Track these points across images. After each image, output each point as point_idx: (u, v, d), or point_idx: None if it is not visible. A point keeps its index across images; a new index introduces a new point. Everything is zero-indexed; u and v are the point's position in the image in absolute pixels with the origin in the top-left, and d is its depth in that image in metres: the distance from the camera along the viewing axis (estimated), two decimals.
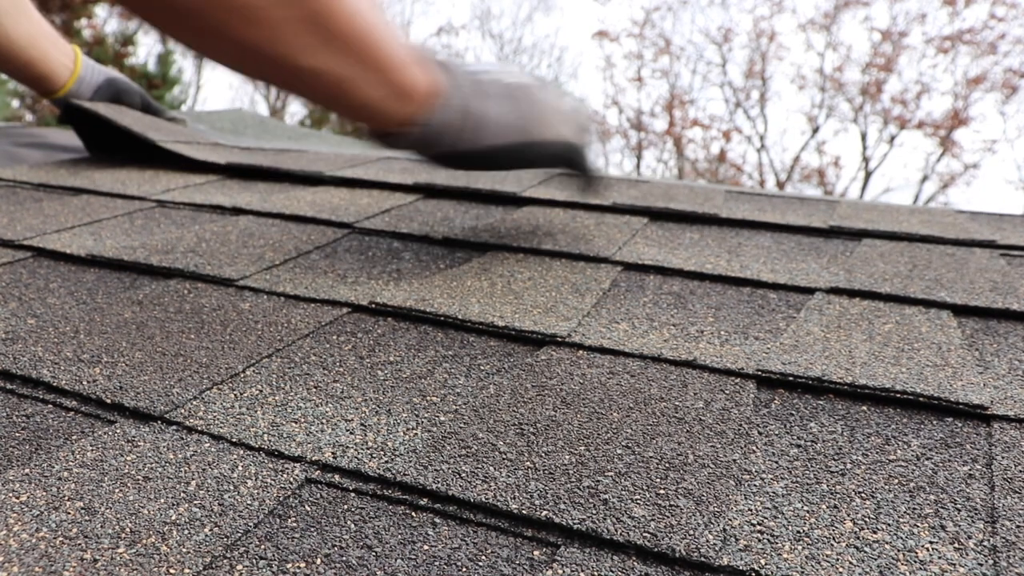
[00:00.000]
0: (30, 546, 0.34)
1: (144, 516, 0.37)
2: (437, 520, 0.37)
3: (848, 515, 0.38)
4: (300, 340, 0.56)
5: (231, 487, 0.39)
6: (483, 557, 0.35)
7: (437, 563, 0.34)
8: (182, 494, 0.38)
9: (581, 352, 0.55)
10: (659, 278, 0.70)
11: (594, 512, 0.37)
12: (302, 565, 0.34)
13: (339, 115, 0.66)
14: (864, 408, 0.48)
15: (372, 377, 0.51)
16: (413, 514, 0.38)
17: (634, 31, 10.43)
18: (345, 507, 0.38)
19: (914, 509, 0.38)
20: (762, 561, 0.34)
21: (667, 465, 0.41)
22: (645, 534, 0.36)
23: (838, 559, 0.35)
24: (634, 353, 0.55)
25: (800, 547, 0.35)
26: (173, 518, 0.36)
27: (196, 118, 1.55)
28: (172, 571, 0.33)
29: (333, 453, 0.42)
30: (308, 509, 0.38)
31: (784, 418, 0.47)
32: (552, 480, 0.40)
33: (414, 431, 0.44)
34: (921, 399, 0.48)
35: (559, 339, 0.56)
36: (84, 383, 0.49)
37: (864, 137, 9.29)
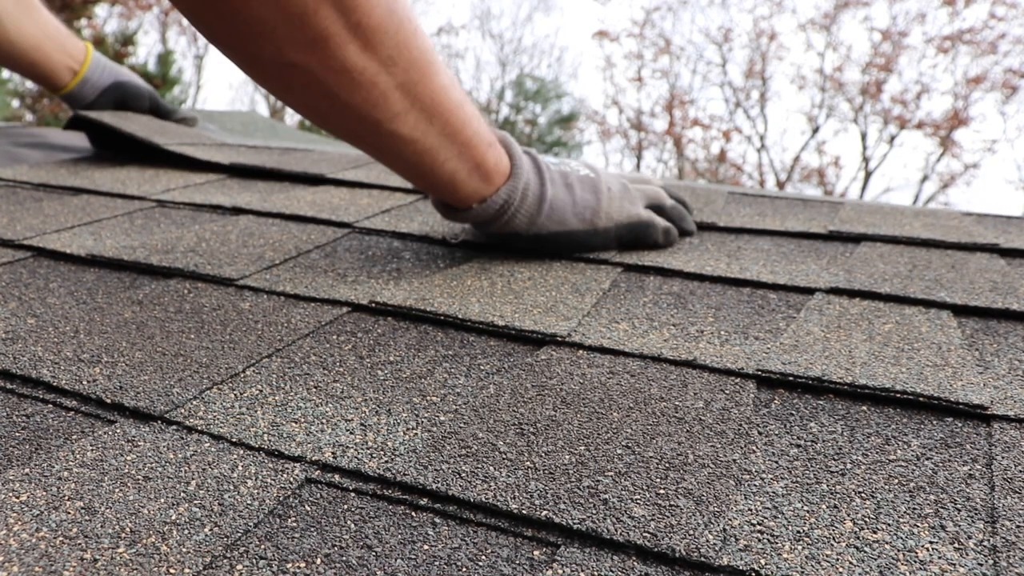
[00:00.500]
0: (30, 546, 0.34)
1: (144, 516, 0.37)
2: (437, 520, 0.37)
3: (848, 515, 0.38)
4: (300, 340, 0.56)
5: (231, 487, 0.39)
6: (483, 557, 0.35)
7: (437, 563, 0.34)
8: (182, 494, 0.38)
9: (581, 352, 0.55)
10: (659, 279, 0.70)
11: (594, 512, 0.37)
12: (302, 565, 0.34)
13: (419, 186, 0.69)
14: (864, 408, 0.48)
15: (372, 377, 0.51)
16: (413, 514, 0.38)
17: (634, 31, 10.44)
18: (345, 507, 0.38)
19: (914, 509, 0.38)
20: (762, 561, 0.34)
21: (667, 465, 0.41)
22: (645, 534, 0.36)
23: (838, 559, 0.35)
24: (634, 353, 0.55)
25: (800, 547, 0.35)
26: (173, 518, 0.36)
27: (208, 117, 1.56)
28: (172, 571, 0.33)
29: (333, 453, 0.42)
30: (308, 509, 0.38)
31: (784, 418, 0.47)
32: (552, 480, 0.40)
33: (414, 431, 0.44)
34: (921, 399, 0.48)
35: (559, 339, 0.56)
36: (84, 383, 0.49)
37: (864, 137, 9.29)
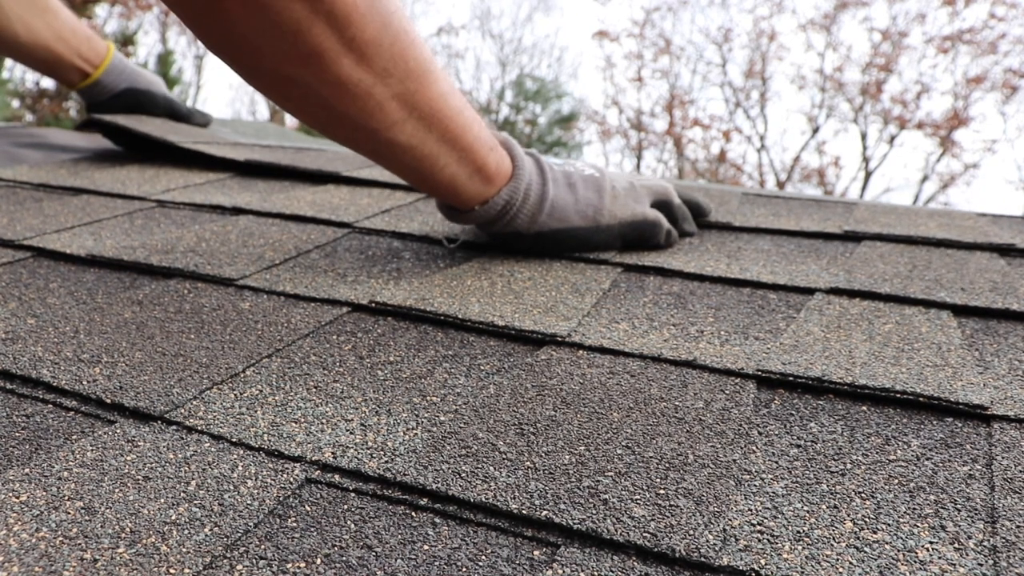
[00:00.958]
0: (30, 546, 0.34)
1: (144, 516, 0.37)
2: (437, 520, 0.37)
3: (848, 515, 0.38)
4: (300, 340, 0.56)
5: (231, 487, 0.39)
6: (483, 557, 0.35)
7: (437, 563, 0.34)
8: (182, 494, 0.38)
9: (581, 352, 0.55)
10: (659, 279, 0.70)
11: (594, 512, 0.37)
12: (302, 565, 0.34)
13: (421, 189, 0.69)
14: (864, 408, 0.48)
15: (372, 377, 0.51)
16: (413, 514, 0.38)
17: (634, 31, 10.44)
18: (345, 507, 0.38)
19: (914, 509, 0.38)
20: (762, 561, 0.34)
21: (667, 465, 0.41)
22: (645, 534, 0.36)
23: (838, 559, 0.35)
24: (634, 353, 0.55)
25: (800, 547, 0.35)
26: (173, 518, 0.36)
27: (220, 123, 1.58)
28: (172, 571, 0.33)
29: (333, 453, 0.42)
30: (308, 509, 0.38)
31: (784, 418, 0.47)
32: (552, 480, 0.40)
33: (414, 431, 0.44)
34: (921, 399, 0.48)
35: (559, 339, 0.56)
36: (84, 383, 0.49)
37: (864, 137, 9.29)
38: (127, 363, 0.52)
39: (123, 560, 0.34)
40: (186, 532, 0.36)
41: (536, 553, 0.35)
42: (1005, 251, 0.77)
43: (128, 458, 0.41)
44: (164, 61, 9.80)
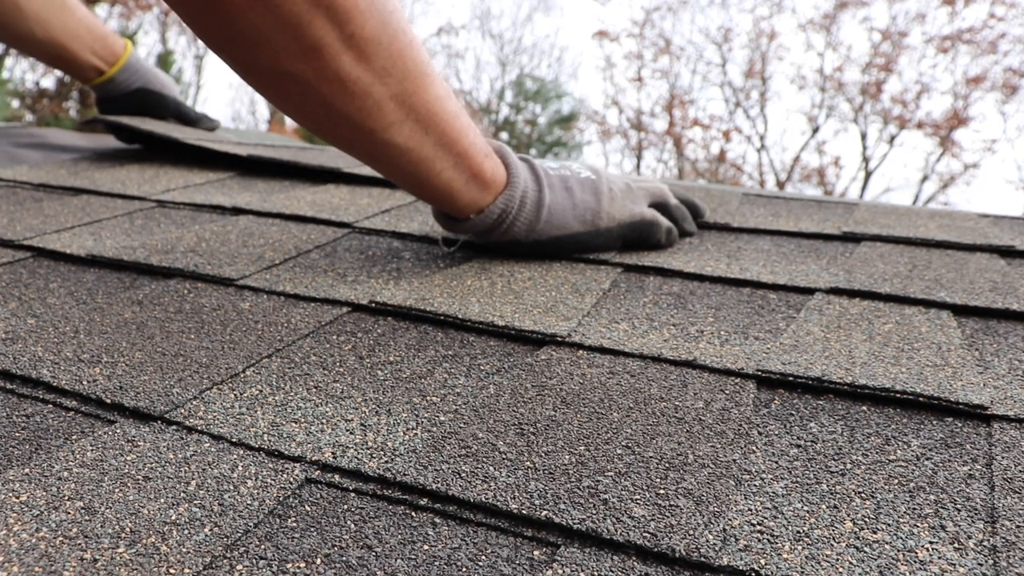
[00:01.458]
0: (30, 546, 0.34)
1: (144, 516, 0.37)
2: (437, 520, 0.37)
3: (848, 515, 0.38)
4: (300, 340, 0.56)
5: (231, 487, 0.39)
6: (483, 557, 0.35)
7: (437, 563, 0.34)
8: (182, 494, 0.38)
9: (581, 352, 0.55)
10: (659, 279, 0.70)
11: (594, 512, 0.37)
12: (302, 565, 0.34)
13: (417, 195, 0.69)
14: (864, 408, 0.48)
15: (372, 377, 0.51)
16: (413, 514, 0.38)
17: (634, 31, 10.44)
18: (345, 507, 0.38)
19: (914, 509, 0.38)
20: (762, 561, 0.34)
21: (667, 465, 0.41)
22: (645, 534, 0.36)
23: (838, 559, 0.35)
24: (634, 353, 0.55)
25: (800, 547, 0.35)
26: (173, 518, 0.36)
27: (224, 131, 1.59)
28: (172, 571, 0.33)
29: (333, 453, 0.42)
30: (308, 509, 0.38)
31: (784, 418, 0.47)
32: (552, 480, 0.40)
33: (414, 431, 0.44)
34: (921, 399, 0.48)
35: (559, 339, 0.56)
36: (84, 383, 0.49)
37: (864, 137, 9.29)
38: (127, 363, 0.52)
39: (123, 560, 0.34)
40: (186, 532, 0.36)
41: (536, 553, 0.35)
42: (1005, 252, 0.77)
43: (128, 458, 0.41)
44: (164, 61, 9.81)
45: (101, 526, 0.36)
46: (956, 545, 0.36)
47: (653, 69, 10.82)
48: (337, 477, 0.40)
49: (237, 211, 0.90)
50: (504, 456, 0.42)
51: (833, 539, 0.36)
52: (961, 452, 0.43)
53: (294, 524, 0.37)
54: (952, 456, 0.43)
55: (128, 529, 0.36)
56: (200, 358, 0.53)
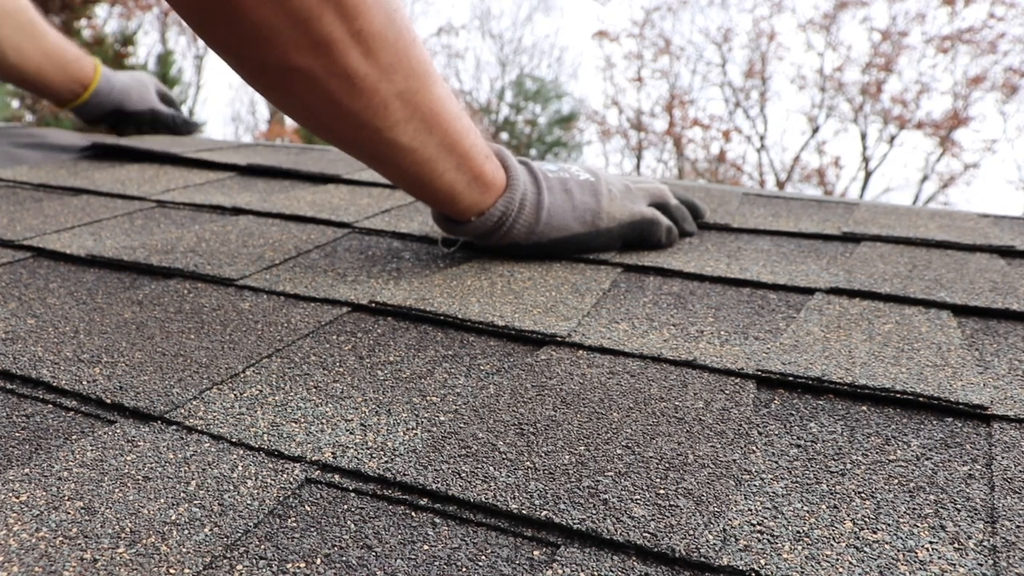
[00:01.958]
0: (30, 546, 0.34)
1: (144, 516, 0.37)
2: (437, 520, 0.37)
3: (848, 515, 0.38)
4: (300, 340, 0.56)
5: (231, 487, 0.39)
6: (483, 557, 0.35)
7: (437, 563, 0.34)
8: (182, 494, 0.38)
9: (581, 352, 0.55)
10: (659, 279, 0.70)
11: (594, 512, 0.37)
12: (302, 565, 0.34)
13: (419, 197, 0.69)
14: (864, 408, 0.48)
15: (372, 377, 0.51)
16: (413, 514, 0.38)
17: (634, 31, 10.44)
18: (345, 507, 0.38)
19: (914, 509, 0.38)
20: (762, 561, 0.34)
21: (667, 465, 0.41)
22: (645, 534, 0.36)
23: (838, 559, 0.35)
24: (634, 353, 0.55)
25: (800, 547, 0.35)
26: (173, 518, 0.36)
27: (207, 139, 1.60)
28: (172, 571, 0.33)
29: (333, 453, 0.42)
30: (308, 509, 0.38)
31: (784, 418, 0.47)
32: (552, 480, 0.40)
33: (414, 431, 0.44)
34: (921, 399, 0.48)
35: (559, 339, 0.56)
36: (84, 383, 0.49)
37: (864, 137, 9.29)
38: (127, 363, 0.52)
39: (123, 560, 0.34)
40: (186, 532, 0.36)
41: (536, 553, 0.35)
42: (1005, 252, 0.77)
43: (128, 458, 0.41)
44: (164, 61, 9.80)
45: (101, 526, 0.36)
46: (956, 545, 0.36)
47: (653, 69, 10.82)
48: (337, 477, 0.40)
49: (237, 211, 0.90)
50: (504, 456, 0.42)
51: (833, 539, 0.36)
52: (961, 452, 0.43)
53: (294, 524, 0.37)
54: (952, 456, 0.43)
55: (128, 529, 0.36)
56: (200, 358, 0.53)
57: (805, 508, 0.38)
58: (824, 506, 0.38)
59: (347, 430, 0.44)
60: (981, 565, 0.35)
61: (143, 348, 0.54)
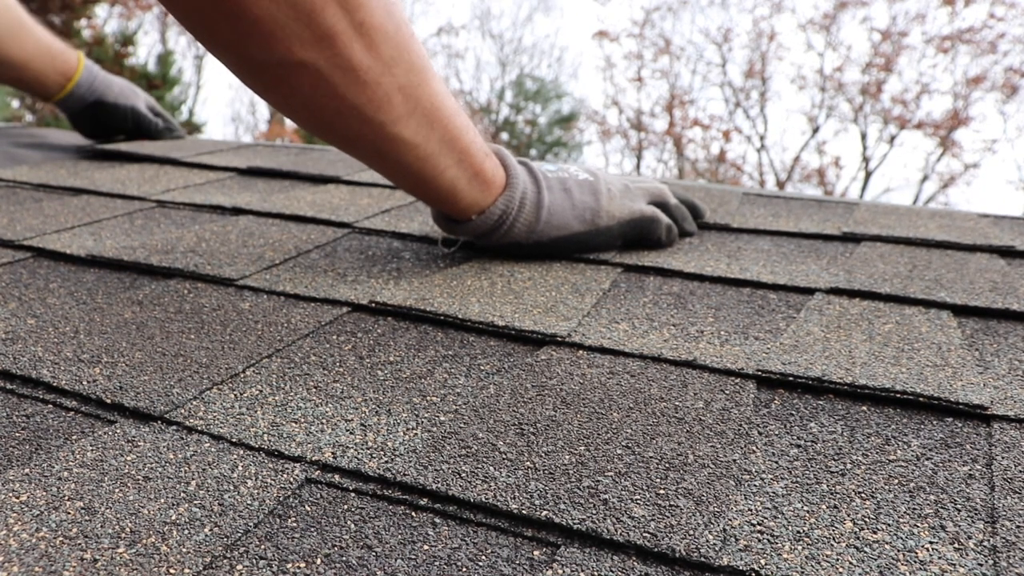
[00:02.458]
0: (30, 546, 0.34)
1: (144, 516, 0.37)
2: (437, 520, 0.37)
3: (848, 515, 0.38)
4: (300, 340, 0.56)
5: (231, 487, 0.39)
6: (483, 557, 0.35)
7: (437, 563, 0.34)
8: (182, 494, 0.38)
9: (581, 352, 0.55)
10: (659, 279, 0.70)
11: (594, 512, 0.37)
12: (302, 565, 0.34)
13: (420, 195, 0.69)
14: (864, 408, 0.48)
15: (372, 377, 0.51)
16: (413, 514, 0.38)
17: (634, 31, 10.44)
18: (345, 507, 0.38)
19: (914, 509, 0.38)
20: (762, 561, 0.34)
21: (667, 465, 0.41)
22: (645, 534, 0.36)
23: (838, 559, 0.35)
24: (634, 353, 0.55)
25: (800, 547, 0.35)
26: (173, 518, 0.36)
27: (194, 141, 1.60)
28: (172, 571, 0.33)
29: (333, 453, 0.42)
30: (308, 509, 0.38)
31: (784, 418, 0.47)
32: (552, 480, 0.40)
33: (414, 431, 0.44)
34: (921, 399, 0.48)
35: (559, 339, 0.56)
36: (84, 383, 0.49)
37: (864, 137, 9.29)
38: (127, 363, 0.52)
39: (123, 560, 0.34)
40: (186, 532, 0.36)
41: (536, 553, 0.35)
42: (1005, 252, 0.77)
43: (128, 458, 0.41)
44: (164, 61, 9.80)
45: (101, 526, 0.36)
46: (956, 545, 0.36)
47: (653, 69, 10.82)
48: (337, 477, 0.40)
49: (237, 211, 0.90)
50: (504, 456, 0.42)
51: (833, 539, 0.36)
52: (961, 452, 0.43)
53: (294, 524, 0.37)
54: (952, 456, 0.43)
55: (128, 529, 0.36)
56: (200, 358, 0.53)
57: (805, 508, 0.38)
58: (824, 506, 0.38)
59: (347, 430, 0.44)
60: (981, 565, 0.35)
61: (143, 348, 0.54)
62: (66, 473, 0.40)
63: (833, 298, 0.65)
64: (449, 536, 0.36)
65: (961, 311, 0.63)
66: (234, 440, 0.43)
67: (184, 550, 0.34)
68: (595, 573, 0.34)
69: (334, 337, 0.57)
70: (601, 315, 0.61)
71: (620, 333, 0.58)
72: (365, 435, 0.44)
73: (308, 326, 0.59)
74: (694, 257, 0.75)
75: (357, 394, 0.49)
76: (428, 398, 0.49)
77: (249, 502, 0.38)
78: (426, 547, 0.35)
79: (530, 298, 0.64)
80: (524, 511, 0.37)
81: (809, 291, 0.67)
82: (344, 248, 0.77)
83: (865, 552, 0.35)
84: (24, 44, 1.14)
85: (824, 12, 9.27)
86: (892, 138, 9.14)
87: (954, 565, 0.35)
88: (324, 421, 0.45)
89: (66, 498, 0.38)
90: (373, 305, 0.62)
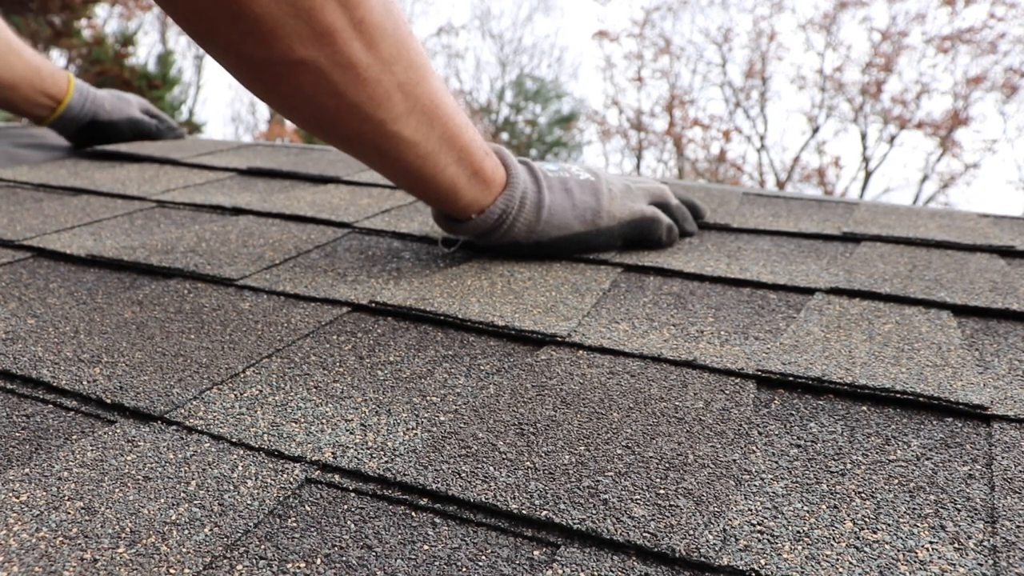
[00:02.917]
0: (30, 546, 0.34)
1: (144, 516, 0.37)
2: (437, 520, 0.37)
3: (848, 515, 0.38)
4: (300, 340, 0.56)
5: (231, 487, 0.39)
6: (483, 557, 0.35)
7: (437, 563, 0.34)
8: (182, 494, 0.38)
9: (581, 352, 0.55)
10: (659, 279, 0.70)
11: (594, 512, 0.37)
12: (302, 565, 0.34)
13: (420, 194, 0.69)
14: (864, 408, 0.48)
15: (372, 377, 0.51)
16: (413, 514, 0.38)
17: (634, 31, 10.44)
18: (345, 507, 0.38)
19: (914, 509, 0.38)
20: (762, 561, 0.34)
21: (667, 465, 0.41)
22: (645, 534, 0.36)
23: (838, 559, 0.35)
24: (634, 353, 0.55)
25: (800, 547, 0.35)
26: (173, 518, 0.36)
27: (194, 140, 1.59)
28: (172, 571, 0.33)
29: (333, 453, 0.42)
30: (308, 509, 0.38)
31: (784, 418, 0.47)
32: (552, 480, 0.40)
33: (414, 431, 0.44)
34: (921, 399, 0.48)
35: (559, 339, 0.56)
36: (84, 383, 0.49)
37: (864, 137, 9.29)
38: (127, 363, 0.52)
39: (123, 560, 0.34)
40: (186, 532, 0.36)
41: (536, 553, 0.35)
42: (1005, 252, 0.77)
43: (128, 458, 0.41)
44: (164, 61, 9.80)
45: (101, 526, 0.36)
46: (956, 545, 0.36)
47: (653, 69, 10.82)
48: (337, 477, 0.40)
49: (237, 211, 0.90)
50: (504, 456, 0.42)
51: (833, 539, 0.36)
52: (961, 452, 0.43)
53: (294, 524, 0.37)
54: (952, 456, 0.43)
55: (128, 529, 0.36)
56: (200, 358, 0.53)
57: (805, 508, 0.38)
58: (824, 506, 0.38)
59: (347, 430, 0.44)
60: (981, 565, 0.35)
61: (143, 348, 0.54)
62: (66, 473, 0.40)
63: (833, 298, 0.65)
64: (449, 536, 0.36)
65: (961, 311, 0.63)
66: (234, 440, 0.43)
67: (184, 550, 0.34)
68: (595, 573, 0.34)
69: (334, 337, 0.57)
70: (601, 315, 0.61)
71: (620, 333, 0.58)
72: (365, 435, 0.44)
73: (308, 326, 0.59)
74: (694, 257, 0.75)
75: (357, 394, 0.49)
76: (428, 398, 0.49)
77: (249, 502, 0.38)
78: (426, 547, 0.35)
79: (530, 298, 0.64)
80: (524, 511, 0.37)
81: (809, 291, 0.67)
82: (344, 248, 0.77)
83: (865, 552, 0.35)
84: (13, 65, 1.12)
85: (824, 12, 9.27)
86: (892, 138, 9.14)
87: (954, 565, 0.35)
88: (324, 421, 0.45)
89: (66, 498, 0.38)
90: (373, 305, 0.62)
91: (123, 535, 0.35)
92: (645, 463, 0.41)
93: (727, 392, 0.49)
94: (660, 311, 0.63)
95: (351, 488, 0.40)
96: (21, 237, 0.77)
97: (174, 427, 0.44)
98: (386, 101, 0.59)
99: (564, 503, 0.38)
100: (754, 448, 0.44)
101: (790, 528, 0.37)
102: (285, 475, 0.40)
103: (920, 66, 9.72)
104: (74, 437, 0.44)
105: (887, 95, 8.96)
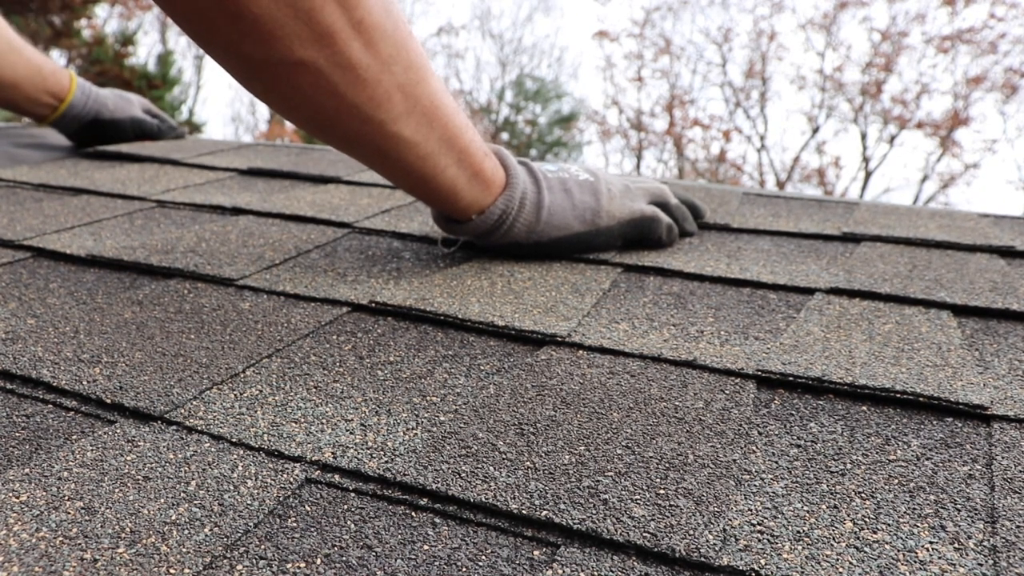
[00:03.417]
0: (30, 546, 0.34)
1: (144, 516, 0.37)
2: (437, 520, 0.37)
3: (848, 515, 0.38)
4: (300, 340, 0.56)
5: (231, 487, 0.39)
6: (483, 557, 0.35)
7: (437, 563, 0.34)
8: (182, 494, 0.38)
9: (581, 352, 0.55)
10: (659, 279, 0.70)
11: (594, 512, 0.37)
12: (302, 565, 0.34)
13: (420, 195, 0.69)
14: (864, 408, 0.48)
15: (372, 377, 0.51)
16: (413, 514, 0.38)
17: (634, 31, 10.44)
18: (345, 507, 0.38)
19: (914, 509, 0.38)
20: (762, 561, 0.34)
21: (667, 465, 0.41)
22: (645, 534, 0.36)
23: (838, 559, 0.35)
24: (634, 353, 0.55)
25: (800, 547, 0.35)
26: (173, 518, 0.36)
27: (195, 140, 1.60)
28: (172, 571, 0.33)
29: (333, 453, 0.42)
30: (308, 509, 0.38)
31: (784, 418, 0.47)
32: (552, 480, 0.40)
33: (414, 431, 0.44)
34: (921, 399, 0.48)
35: (559, 339, 0.56)
36: (84, 383, 0.49)
37: (864, 137, 9.29)
38: (127, 363, 0.52)
39: (123, 560, 0.34)
40: (186, 532, 0.36)
41: (536, 553, 0.35)
42: (1005, 252, 0.77)
43: (128, 458, 0.41)
44: (164, 61, 9.80)
45: (101, 526, 0.36)
46: (956, 545, 0.36)
47: (653, 69, 10.82)
48: (337, 477, 0.40)
49: (237, 211, 0.90)
50: (504, 456, 0.42)
51: (833, 539, 0.36)
52: (961, 452, 0.43)
53: (294, 524, 0.37)
54: (952, 456, 0.43)
55: (128, 529, 0.36)
56: (200, 358, 0.53)
57: (805, 508, 0.38)
58: (824, 506, 0.38)
59: (347, 430, 0.44)
60: (981, 565, 0.35)
61: (143, 348, 0.54)
62: (66, 473, 0.40)
63: (833, 298, 0.65)
64: (449, 536, 0.36)
65: (961, 311, 0.63)
66: (234, 440, 0.43)
67: (184, 550, 0.34)
68: (595, 573, 0.34)
69: (334, 337, 0.57)
70: (601, 315, 0.61)
71: (620, 333, 0.58)
72: (365, 435, 0.44)
73: (308, 326, 0.59)
74: (694, 257, 0.75)
75: (357, 394, 0.49)
76: (428, 398, 0.49)
77: (249, 502, 0.38)
78: (426, 547, 0.35)
79: (530, 298, 0.64)
80: (524, 511, 0.37)
81: (809, 291, 0.67)
82: (344, 248, 0.77)
83: (865, 552, 0.35)
84: (15, 64, 1.12)
85: (824, 12, 9.28)
86: (892, 138, 9.14)
87: (954, 565, 0.35)
88: (324, 421, 0.45)
89: (66, 498, 0.38)
90: (373, 305, 0.62)
91: (123, 535, 0.35)
92: (645, 463, 0.41)
93: (727, 392, 0.49)
94: (660, 311, 0.63)
95: (351, 488, 0.40)
96: (21, 237, 0.77)
97: (174, 427, 0.44)
98: (386, 102, 0.59)
99: (564, 503, 0.38)
100: (754, 448, 0.44)
101: (790, 528, 0.37)
102: (285, 475, 0.40)
103: (920, 66, 9.72)
104: (74, 437, 0.44)
105: (887, 95, 8.96)
